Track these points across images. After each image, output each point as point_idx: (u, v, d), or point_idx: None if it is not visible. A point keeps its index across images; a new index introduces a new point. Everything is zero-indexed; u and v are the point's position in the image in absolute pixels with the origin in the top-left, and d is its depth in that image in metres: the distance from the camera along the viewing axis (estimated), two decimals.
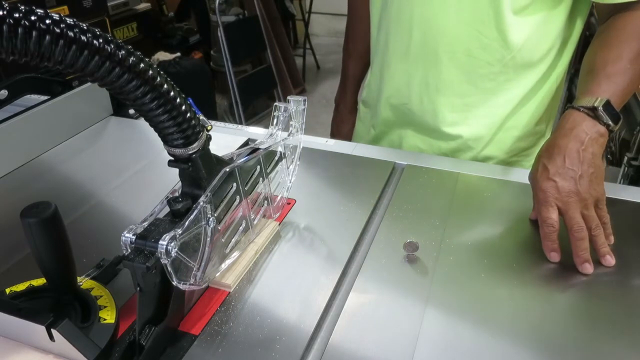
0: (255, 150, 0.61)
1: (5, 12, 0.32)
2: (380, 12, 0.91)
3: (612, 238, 0.63)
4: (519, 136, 0.89)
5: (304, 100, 0.64)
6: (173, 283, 0.46)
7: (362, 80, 1.11)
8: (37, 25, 0.34)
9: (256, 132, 0.93)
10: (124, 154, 0.87)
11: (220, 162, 0.55)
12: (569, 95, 2.10)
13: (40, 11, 0.35)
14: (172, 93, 0.45)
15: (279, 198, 0.68)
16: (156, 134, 0.47)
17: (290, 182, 0.69)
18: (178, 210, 0.49)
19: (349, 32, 1.09)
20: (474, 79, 0.84)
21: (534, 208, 0.67)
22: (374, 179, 0.77)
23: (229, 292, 0.57)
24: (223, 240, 0.56)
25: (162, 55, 2.70)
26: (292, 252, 0.64)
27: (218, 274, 0.57)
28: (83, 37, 0.37)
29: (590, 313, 0.55)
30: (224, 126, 0.96)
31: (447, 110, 0.87)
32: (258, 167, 0.61)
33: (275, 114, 0.63)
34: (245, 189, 0.58)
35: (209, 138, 0.51)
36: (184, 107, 0.46)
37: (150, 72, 0.42)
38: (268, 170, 0.63)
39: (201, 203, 0.49)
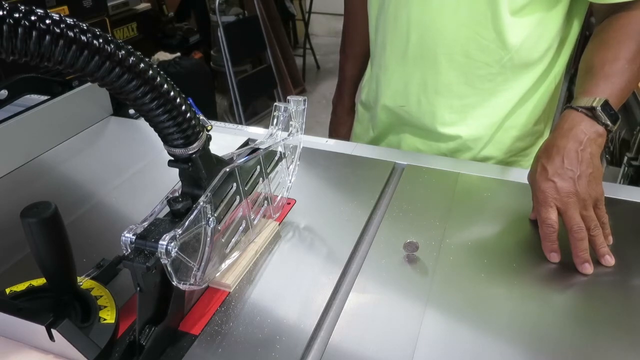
0: (255, 150, 0.61)
1: (5, 12, 0.32)
2: (377, 14, 0.91)
3: (610, 238, 0.63)
4: (518, 136, 0.89)
5: (304, 100, 0.64)
6: (173, 283, 0.47)
7: (360, 82, 1.10)
8: (37, 25, 0.34)
9: (256, 132, 0.93)
10: (124, 154, 0.87)
11: (220, 162, 0.55)
12: (569, 95, 2.10)
13: (40, 11, 0.35)
14: (172, 93, 0.45)
15: (279, 198, 0.68)
16: (156, 134, 0.48)
17: (290, 182, 0.69)
18: (178, 210, 0.49)
19: (346, 34, 1.09)
20: (472, 80, 0.84)
21: (533, 208, 0.68)
22: (374, 179, 0.77)
23: (229, 292, 0.57)
24: (223, 240, 0.56)
25: (162, 55, 2.70)
26: (292, 252, 0.64)
27: (218, 274, 0.57)
28: (83, 37, 0.37)
29: (589, 313, 0.55)
30: (224, 126, 0.96)
31: (445, 112, 0.87)
32: (258, 167, 0.61)
33: (275, 114, 0.63)
34: (245, 189, 0.58)
35: (209, 138, 0.51)
36: (184, 107, 0.46)
37: (150, 72, 0.42)
38: (268, 170, 0.63)
39: (201, 203, 0.49)
